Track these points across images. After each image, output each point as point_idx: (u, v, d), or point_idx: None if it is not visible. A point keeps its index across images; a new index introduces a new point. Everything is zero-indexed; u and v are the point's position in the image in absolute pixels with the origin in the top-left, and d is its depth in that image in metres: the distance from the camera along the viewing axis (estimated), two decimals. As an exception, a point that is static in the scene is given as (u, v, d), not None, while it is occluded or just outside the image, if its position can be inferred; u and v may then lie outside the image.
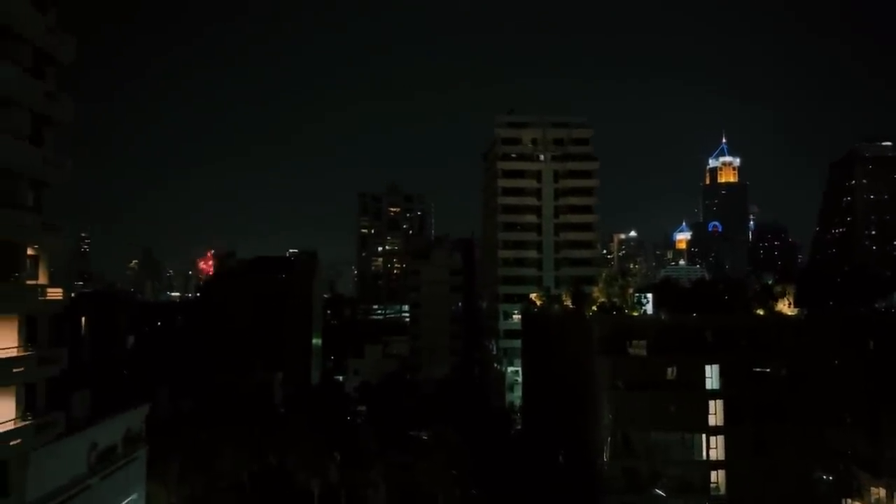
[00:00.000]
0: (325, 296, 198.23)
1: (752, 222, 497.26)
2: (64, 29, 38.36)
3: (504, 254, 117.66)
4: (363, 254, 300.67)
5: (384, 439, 74.41)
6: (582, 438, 66.94)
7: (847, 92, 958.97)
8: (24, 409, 34.59)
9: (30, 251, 36.69)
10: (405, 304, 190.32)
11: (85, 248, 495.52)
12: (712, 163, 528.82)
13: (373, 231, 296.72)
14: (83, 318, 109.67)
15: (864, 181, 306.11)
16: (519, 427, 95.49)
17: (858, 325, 66.21)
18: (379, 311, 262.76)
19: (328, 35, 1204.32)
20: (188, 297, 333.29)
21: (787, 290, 67.84)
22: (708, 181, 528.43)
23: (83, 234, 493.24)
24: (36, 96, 35.87)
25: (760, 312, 66.62)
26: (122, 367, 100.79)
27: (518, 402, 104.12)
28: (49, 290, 37.25)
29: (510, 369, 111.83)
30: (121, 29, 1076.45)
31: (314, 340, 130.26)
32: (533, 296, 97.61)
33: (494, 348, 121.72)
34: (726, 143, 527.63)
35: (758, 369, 63.90)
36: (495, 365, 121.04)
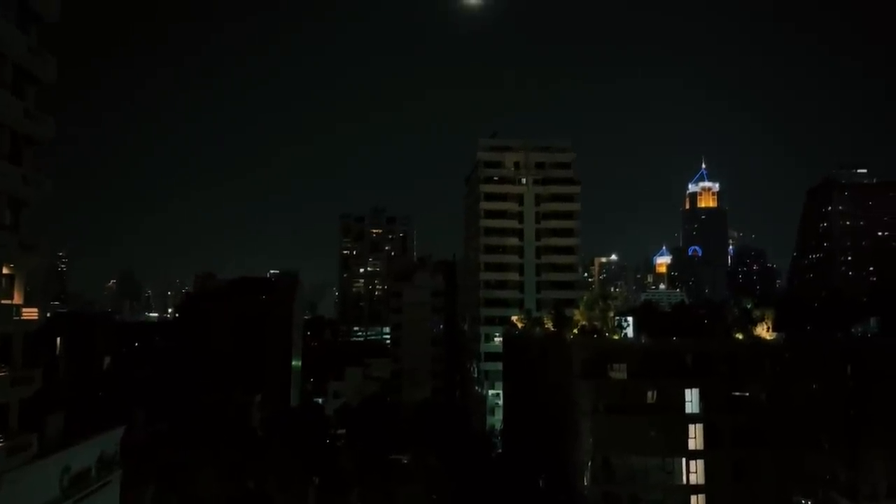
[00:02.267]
0: (307, 317, 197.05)
1: (731, 247, 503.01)
2: (50, 50, 38.34)
3: (486, 276, 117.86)
4: (345, 275, 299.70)
5: (364, 463, 73.70)
6: (562, 462, 66.75)
7: (828, 116, 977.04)
8: (-5, 430, 33.96)
9: (5, 270, 36.21)
10: (387, 325, 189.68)
11: (62, 268, 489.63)
12: (692, 188, 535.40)
13: (355, 252, 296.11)
14: (59, 339, 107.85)
15: (841, 207, 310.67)
16: (500, 451, 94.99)
17: (836, 351, 66.77)
18: (360, 333, 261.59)
19: (311, 56, 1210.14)
20: (166, 317, 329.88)
21: (766, 314, 68.45)
22: (688, 206, 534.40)
23: (60, 254, 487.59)
24: (15, 114, 35.65)
25: (740, 337, 67.13)
26: (97, 389, 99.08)
27: (499, 425, 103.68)
28: (24, 309, 36.73)
29: (491, 392, 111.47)
30: (101, 52, 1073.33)
31: (294, 362, 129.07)
32: (514, 318, 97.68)
33: (476, 371, 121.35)
34: (706, 169, 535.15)
35: (737, 393, 64.31)
36: (476, 388, 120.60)
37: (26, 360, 38.08)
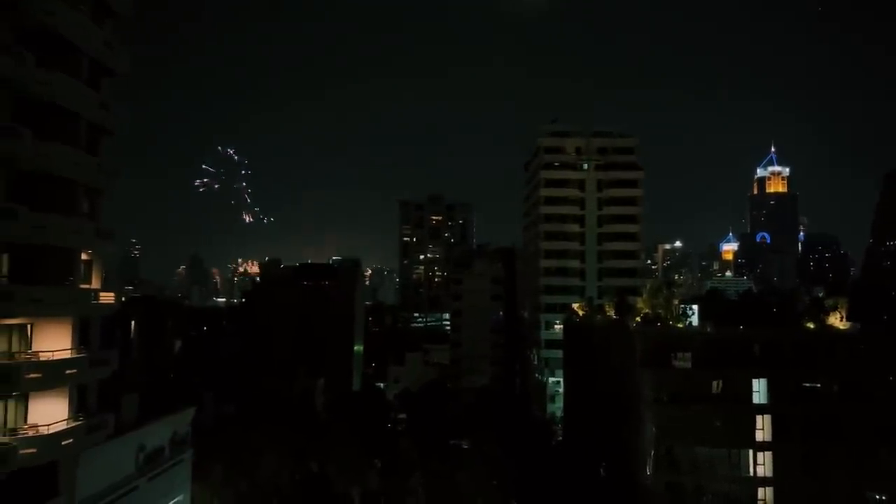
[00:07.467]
0: (368, 303, 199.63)
1: (801, 234, 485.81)
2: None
3: (546, 263, 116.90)
4: (405, 262, 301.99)
5: (424, 447, 74.37)
6: (624, 451, 66.02)
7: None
8: (75, 409, 35.54)
9: (84, 256, 37.73)
10: (446, 312, 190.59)
11: (135, 254, 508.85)
12: (760, 172, 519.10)
13: (415, 239, 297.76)
14: (132, 322, 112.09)
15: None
16: (560, 438, 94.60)
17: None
18: (420, 319, 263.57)
19: (373, 35, 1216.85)
20: (234, 302, 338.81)
21: (840, 303, 65.99)
22: (756, 191, 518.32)
23: (133, 240, 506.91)
24: (92, 107, 36.98)
25: (811, 326, 64.94)
26: (169, 371, 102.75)
27: (559, 412, 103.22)
28: (101, 294, 38.24)
29: (551, 380, 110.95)
30: (156, 25, 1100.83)
31: (356, 347, 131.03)
32: (575, 306, 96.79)
33: (536, 358, 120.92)
34: (775, 153, 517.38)
35: (807, 385, 62.27)
36: (536, 375, 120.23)
37: (103, 343, 39.74)
